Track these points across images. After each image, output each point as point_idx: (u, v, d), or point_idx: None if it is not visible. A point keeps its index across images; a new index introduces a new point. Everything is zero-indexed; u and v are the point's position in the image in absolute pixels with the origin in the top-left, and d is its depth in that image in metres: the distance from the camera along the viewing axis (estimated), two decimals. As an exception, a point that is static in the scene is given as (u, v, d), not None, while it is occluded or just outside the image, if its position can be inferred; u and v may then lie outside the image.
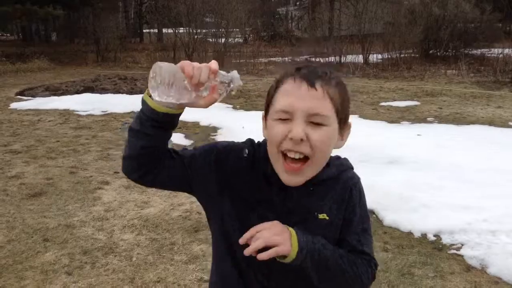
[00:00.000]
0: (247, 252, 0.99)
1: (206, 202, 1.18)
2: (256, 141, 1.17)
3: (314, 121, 0.99)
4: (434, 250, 3.35)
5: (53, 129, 7.35)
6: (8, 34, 37.93)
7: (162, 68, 0.95)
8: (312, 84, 0.99)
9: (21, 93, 11.34)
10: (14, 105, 9.55)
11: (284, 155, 1.02)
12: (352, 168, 1.18)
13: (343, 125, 1.06)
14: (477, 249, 3.28)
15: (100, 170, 5.14)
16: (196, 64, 0.97)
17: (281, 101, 1.02)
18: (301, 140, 0.98)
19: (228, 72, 1.02)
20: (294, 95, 1.00)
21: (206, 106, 1.00)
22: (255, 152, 1.12)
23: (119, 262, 3.20)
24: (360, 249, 1.12)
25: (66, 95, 10.88)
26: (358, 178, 1.17)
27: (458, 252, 3.29)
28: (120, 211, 4.06)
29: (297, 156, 1.00)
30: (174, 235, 3.59)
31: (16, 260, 3.21)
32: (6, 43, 28.43)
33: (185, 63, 0.96)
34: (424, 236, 3.55)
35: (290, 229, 1.03)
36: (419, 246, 3.40)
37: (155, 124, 1.03)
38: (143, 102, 1.04)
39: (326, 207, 1.10)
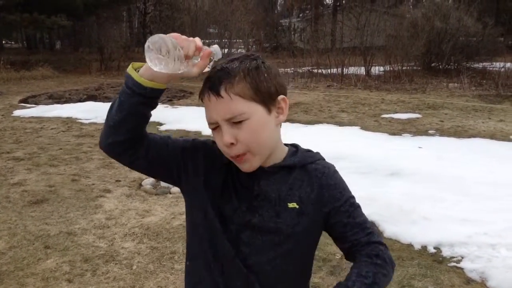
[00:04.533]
0: None
1: (190, 195, 1.20)
2: None
3: (235, 121, 1.05)
4: (434, 262, 3.35)
5: (56, 136, 7.39)
6: (12, 42, 38.25)
7: (164, 38, 0.96)
8: (217, 93, 1.04)
9: (25, 100, 11.42)
10: (17, 113, 9.60)
11: None
12: (323, 159, 1.19)
13: (272, 103, 1.09)
14: (477, 262, 3.28)
15: (102, 178, 5.16)
16: (184, 36, 1.00)
17: (206, 115, 1.09)
18: (232, 144, 1.05)
19: (209, 46, 1.07)
20: (209, 108, 1.07)
21: (198, 73, 1.03)
22: None
23: (120, 270, 3.21)
24: (367, 239, 1.13)
25: (69, 103, 10.97)
26: (330, 166, 1.18)
27: (458, 265, 3.29)
28: (121, 219, 4.07)
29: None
30: (174, 244, 3.60)
31: (17, 267, 3.22)
32: (10, 50, 28.64)
33: (176, 34, 0.99)
34: (424, 248, 3.55)
35: None
36: (419, 258, 3.40)
37: (142, 100, 1.03)
38: (128, 77, 1.04)
39: (295, 196, 1.12)
